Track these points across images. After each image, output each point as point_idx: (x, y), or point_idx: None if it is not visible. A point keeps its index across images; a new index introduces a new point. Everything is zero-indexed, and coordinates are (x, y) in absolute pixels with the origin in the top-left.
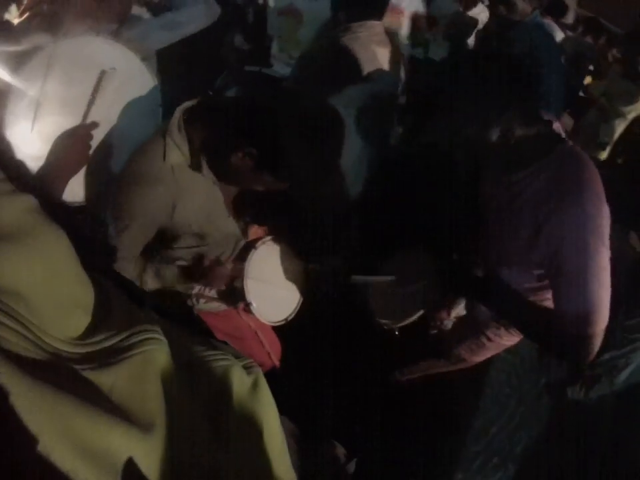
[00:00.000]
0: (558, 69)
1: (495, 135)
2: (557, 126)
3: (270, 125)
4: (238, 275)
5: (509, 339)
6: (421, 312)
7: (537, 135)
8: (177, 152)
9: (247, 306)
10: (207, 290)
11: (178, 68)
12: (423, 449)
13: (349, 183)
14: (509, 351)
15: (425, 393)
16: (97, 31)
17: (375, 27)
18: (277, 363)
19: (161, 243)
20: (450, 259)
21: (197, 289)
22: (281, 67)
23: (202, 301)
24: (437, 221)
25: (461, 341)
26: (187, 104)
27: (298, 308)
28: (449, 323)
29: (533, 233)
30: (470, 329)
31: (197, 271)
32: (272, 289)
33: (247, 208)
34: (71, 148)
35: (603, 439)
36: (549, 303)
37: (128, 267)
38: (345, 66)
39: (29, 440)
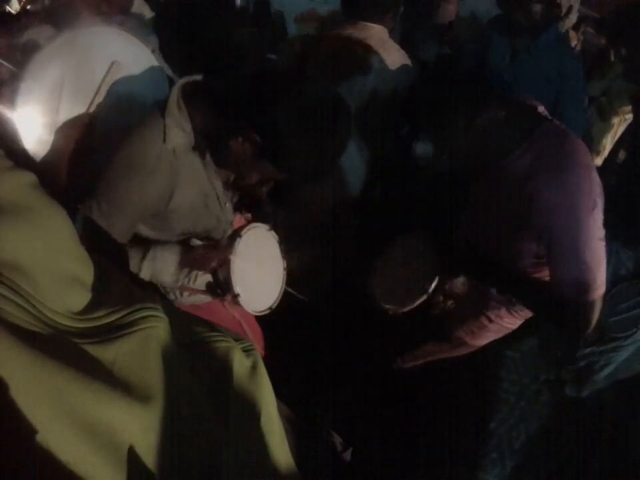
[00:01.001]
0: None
1: (474, 129)
2: (541, 109)
3: (273, 111)
4: (224, 264)
5: (510, 320)
6: (425, 297)
7: (517, 118)
8: (179, 132)
9: (234, 297)
10: (192, 282)
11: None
12: (420, 441)
13: (346, 179)
14: (509, 346)
15: (425, 385)
16: (106, 22)
17: (370, 29)
18: (262, 352)
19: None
20: (448, 239)
21: (180, 281)
22: None
23: (185, 294)
24: (434, 210)
25: (461, 323)
26: (184, 80)
27: (281, 296)
28: (451, 303)
29: (524, 209)
30: (470, 310)
31: (200, 252)
32: (256, 278)
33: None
34: (74, 137)
35: (603, 437)
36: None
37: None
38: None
39: (28, 429)
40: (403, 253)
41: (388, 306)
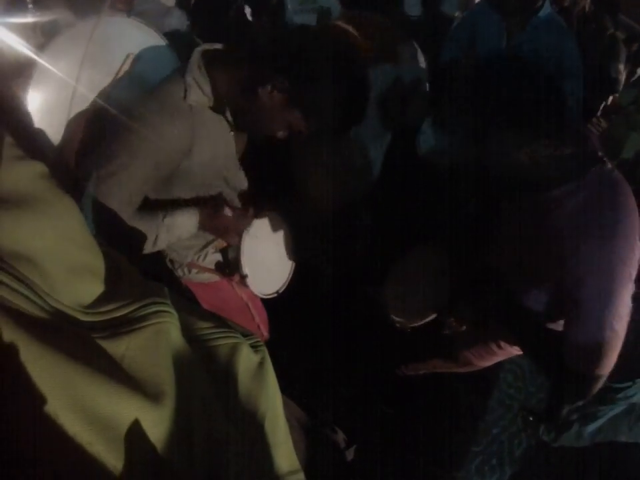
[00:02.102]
0: (576, 72)
1: (521, 156)
2: (593, 142)
3: (303, 59)
4: (234, 244)
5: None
6: (434, 315)
7: (570, 153)
8: (199, 91)
9: (242, 278)
10: (202, 259)
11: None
12: (422, 442)
13: (368, 163)
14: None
15: (428, 386)
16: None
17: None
18: (267, 334)
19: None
20: (465, 260)
21: (190, 257)
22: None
23: (194, 271)
24: (456, 223)
25: (470, 345)
26: (205, 46)
27: (288, 282)
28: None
29: (557, 257)
30: (481, 334)
31: (219, 218)
32: (265, 261)
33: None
34: (79, 128)
35: (603, 449)
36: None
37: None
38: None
39: (37, 400)
40: (419, 266)
41: (397, 319)
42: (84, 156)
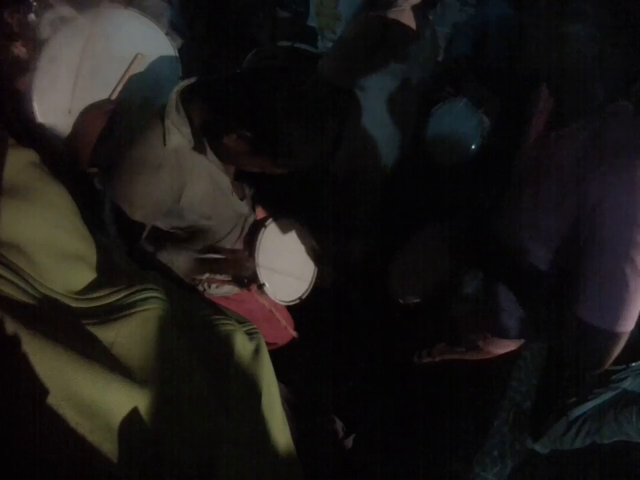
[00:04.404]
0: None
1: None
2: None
3: (265, 107)
4: (249, 255)
5: None
6: (434, 293)
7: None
8: (178, 134)
9: (260, 287)
10: (218, 274)
11: (204, 47)
12: (422, 433)
13: (381, 159)
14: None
15: (429, 376)
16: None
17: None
18: (295, 334)
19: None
20: (469, 233)
21: (206, 274)
22: (324, 44)
23: (213, 285)
24: (461, 199)
25: (477, 327)
26: (184, 83)
27: (311, 287)
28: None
29: (570, 195)
30: (487, 314)
31: (212, 261)
32: (284, 268)
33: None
34: (96, 122)
35: (603, 445)
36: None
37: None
38: (392, 41)
39: (39, 391)
40: (424, 243)
41: (400, 295)
42: (99, 154)
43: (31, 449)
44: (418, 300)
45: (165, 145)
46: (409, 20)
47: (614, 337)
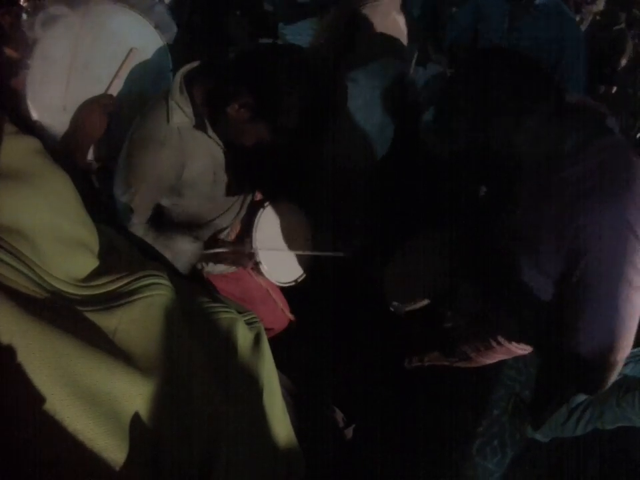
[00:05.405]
0: (579, 56)
1: (522, 136)
2: (610, 122)
3: (267, 75)
4: (247, 235)
5: (523, 347)
6: (426, 301)
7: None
8: (180, 113)
9: (256, 265)
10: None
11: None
12: (422, 423)
13: (371, 152)
14: None
15: (431, 367)
16: None
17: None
18: (292, 317)
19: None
20: (465, 242)
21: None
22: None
23: (211, 263)
24: (453, 212)
25: (469, 339)
26: (188, 66)
27: (306, 272)
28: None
29: (565, 224)
30: (481, 328)
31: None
32: (281, 250)
33: (252, 177)
34: (93, 116)
35: (604, 434)
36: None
37: (141, 230)
38: (367, 37)
39: (36, 397)
40: (419, 250)
41: (393, 302)
42: (99, 147)
43: (33, 440)
44: (410, 309)
45: (168, 122)
46: (382, 16)
47: (609, 365)
